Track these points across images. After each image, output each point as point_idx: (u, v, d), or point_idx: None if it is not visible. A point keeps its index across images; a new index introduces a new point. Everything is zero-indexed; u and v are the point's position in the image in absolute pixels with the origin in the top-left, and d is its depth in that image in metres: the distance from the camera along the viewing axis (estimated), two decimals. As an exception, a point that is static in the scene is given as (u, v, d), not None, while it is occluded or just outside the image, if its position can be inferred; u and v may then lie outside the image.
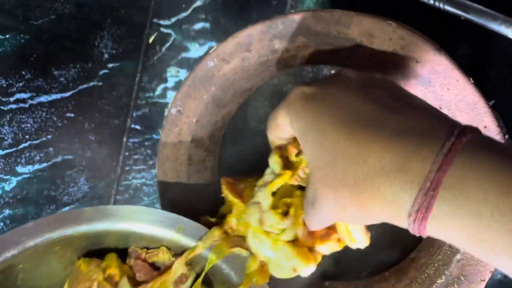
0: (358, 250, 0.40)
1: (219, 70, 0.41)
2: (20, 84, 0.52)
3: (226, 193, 0.40)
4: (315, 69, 0.47)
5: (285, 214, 0.36)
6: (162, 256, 0.40)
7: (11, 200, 0.53)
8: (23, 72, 0.52)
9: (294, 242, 0.37)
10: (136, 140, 0.52)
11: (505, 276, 0.47)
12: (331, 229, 0.37)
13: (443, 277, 0.41)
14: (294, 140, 0.36)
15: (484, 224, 0.24)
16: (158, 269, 0.41)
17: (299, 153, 0.36)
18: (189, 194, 0.44)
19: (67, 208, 0.53)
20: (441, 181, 0.25)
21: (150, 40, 0.52)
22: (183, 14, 0.51)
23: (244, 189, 0.39)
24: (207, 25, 0.51)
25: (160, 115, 0.52)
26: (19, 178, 0.53)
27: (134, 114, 0.52)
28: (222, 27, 0.51)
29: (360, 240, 0.37)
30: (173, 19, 0.51)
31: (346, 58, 0.40)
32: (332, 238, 0.37)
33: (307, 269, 0.37)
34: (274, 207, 0.36)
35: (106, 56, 0.52)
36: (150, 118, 0.52)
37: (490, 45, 0.47)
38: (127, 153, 0.53)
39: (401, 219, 0.27)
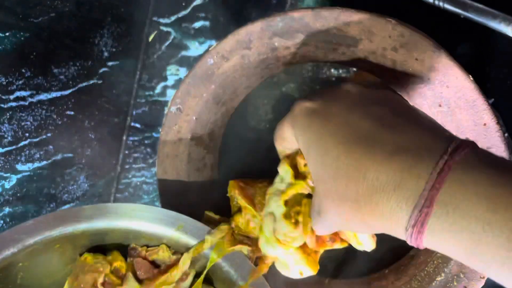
0: (356, 248, 0.40)
1: (218, 68, 0.41)
2: (20, 82, 0.52)
3: (238, 197, 0.40)
4: (315, 66, 0.47)
5: (296, 222, 0.37)
6: (162, 254, 0.40)
7: (11, 198, 0.53)
8: (23, 70, 0.52)
9: (303, 246, 0.38)
10: (136, 138, 0.53)
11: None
12: (336, 234, 0.38)
13: (443, 274, 0.41)
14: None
15: (476, 239, 0.25)
16: (158, 267, 0.41)
17: (307, 164, 0.37)
18: (189, 192, 0.44)
19: (67, 206, 0.53)
20: (434, 198, 0.26)
21: (150, 39, 0.52)
22: (183, 13, 0.51)
23: (256, 196, 0.40)
24: (207, 23, 0.51)
25: (160, 113, 0.52)
26: (19, 176, 0.53)
27: (134, 112, 0.52)
28: (221, 25, 0.51)
29: (366, 244, 0.38)
30: (173, 18, 0.51)
31: (346, 56, 0.40)
32: (338, 241, 0.38)
33: (311, 273, 0.39)
34: (286, 216, 0.37)
35: (106, 54, 0.52)
36: (150, 116, 0.52)
37: (490, 45, 0.47)
38: (127, 151, 0.53)
39: (399, 233, 0.29)
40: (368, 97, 0.33)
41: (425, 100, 0.39)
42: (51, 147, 0.53)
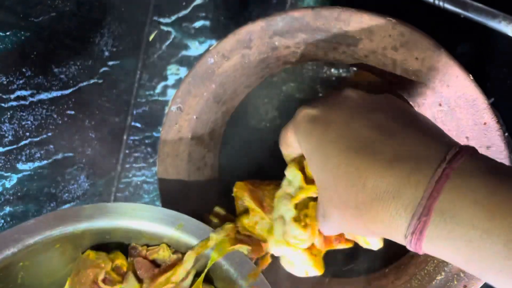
0: (357, 247, 0.41)
1: (219, 67, 0.41)
2: (21, 82, 0.52)
3: (247, 199, 0.41)
4: (315, 66, 0.47)
5: (305, 225, 0.38)
6: (162, 254, 0.40)
7: (11, 197, 0.53)
8: (24, 69, 0.52)
9: (309, 247, 0.39)
10: (136, 138, 0.53)
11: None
12: (341, 235, 0.39)
13: (443, 273, 0.41)
14: None
15: (474, 247, 0.26)
16: (158, 267, 0.41)
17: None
18: (189, 191, 0.44)
19: (67, 206, 0.53)
20: (432, 207, 0.27)
21: (150, 38, 0.52)
22: (183, 12, 0.51)
23: (265, 199, 0.40)
24: (207, 23, 0.51)
25: (160, 113, 0.52)
26: (19, 175, 0.53)
27: (135, 112, 0.52)
28: (222, 25, 0.51)
29: (374, 243, 0.39)
30: (173, 17, 0.51)
31: (346, 55, 0.40)
32: (343, 241, 0.39)
33: (317, 274, 0.40)
34: (296, 219, 0.38)
35: (106, 53, 0.52)
36: (150, 116, 0.52)
37: (490, 45, 0.47)
38: (127, 151, 0.53)
39: (399, 239, 0.29)
40: (368, 103, 0.33)
41: (425, 99, 0.39)
42: (51, 146, 0.53)
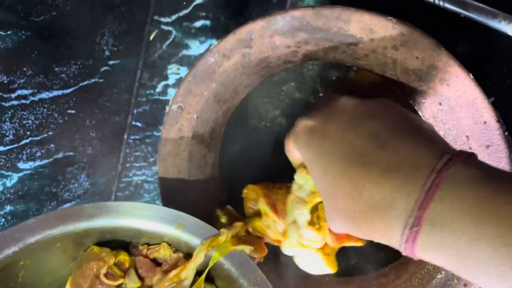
0: (357, 246, 0.41)
1: (219, 66, 0.41)
2: (22, 81, 0.52)
3: (261, 203, 0.40)
4: (315, 65, 0.47)
5: (319, 228, 0.38)
6: (163, 252, 0.40)
7: (12, 196, 0.53)
8: (25, 69, 0.52)
9: (323, 247, 0.39)
10: (137, 137, 0.53)
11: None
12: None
13: (443, 272, 0.41)
14: None
15: (464, 255, 0.26)
16: (159, 265, 0.41)
17: None
18: (190, 190, 0.44)
19: (68, 205, 0.53)
20: (423, 217, 0.27)
21: (151, 37, 0.52)
22: (183, 12, 0.51)
23: (278, 203, 0.41)
24: (208, 22, 0.51)
25: (161, 112, 0.52)
26: (20, 174, 0.53)
27: (135, 111, 0.52)
28: (222, 24, 0.51)
29: None
30: (174, 16, 0.51)
31: (346, 54, 0.40)
32: (353, 240, 0.40)
33: (331, 272, 0.40)
34: (310, 222, 0.38)
35: (107, 53, 0.52)
36: (151, 115, 0.52)
37: (490, 45, 0.47)
38: (127, 150, 0.53)
39: (395, 246, 0.30)
40: (363, 111, 0.34)
41: (426, 98, 0.39)
42: (52, 145, 0.53)
